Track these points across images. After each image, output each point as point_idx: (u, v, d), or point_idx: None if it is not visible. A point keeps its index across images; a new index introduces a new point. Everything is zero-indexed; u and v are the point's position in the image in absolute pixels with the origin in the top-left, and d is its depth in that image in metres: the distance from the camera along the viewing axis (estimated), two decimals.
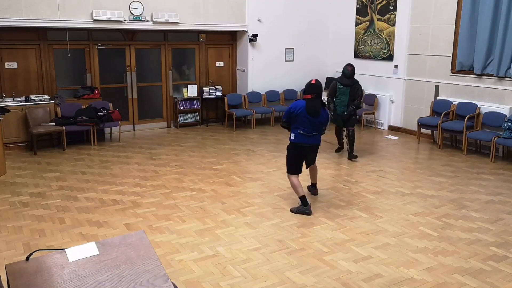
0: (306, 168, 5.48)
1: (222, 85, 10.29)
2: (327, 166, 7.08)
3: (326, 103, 6.92)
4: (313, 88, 5.07)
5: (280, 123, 5.54)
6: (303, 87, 10.70)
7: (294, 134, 5.11)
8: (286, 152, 5.40)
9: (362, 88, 7.23)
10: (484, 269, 3.97)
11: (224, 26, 9.65)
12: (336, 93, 7.31)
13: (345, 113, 7.27)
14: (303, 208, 5.16)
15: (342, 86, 7.25)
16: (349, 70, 7.20)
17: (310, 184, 5.88)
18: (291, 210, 5.24)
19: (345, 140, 7.65)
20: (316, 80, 5.21)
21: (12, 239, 4.52)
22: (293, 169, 5.21)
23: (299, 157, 5.23)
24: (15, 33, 8.08)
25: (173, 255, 4.18)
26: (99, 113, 8.29)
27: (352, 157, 7.39)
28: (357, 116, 7.62)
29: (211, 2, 9.38)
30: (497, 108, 7.65)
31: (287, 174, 5.30)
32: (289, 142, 5.25)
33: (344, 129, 7.54)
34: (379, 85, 9.85)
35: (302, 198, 5.17)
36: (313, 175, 5.71)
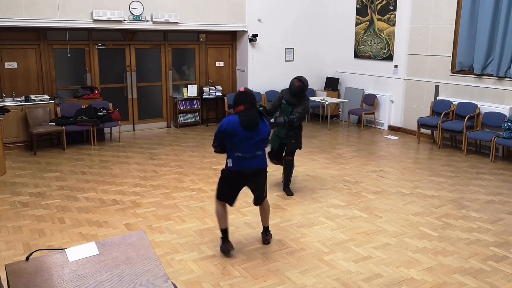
0: (255, 204, 4.42)
1: (222, 85, 10.29)
2: (327, 166, 7.07)
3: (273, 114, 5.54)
4: (242, 96, 4.06)
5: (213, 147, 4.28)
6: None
7: (231, 160, 4.05)
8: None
9: (309, 108, 5.48)
10: (484, 269, 3.97)
11: (224, 26, 9.65)
12: (280, 106, 5.64)
13: (286, 120, 5.42)
14: (221, 244, 4.24)
15: (285, 103, 5.55)
16: (295, 86, 5.42)
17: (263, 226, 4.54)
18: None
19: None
20: (246, 88, 4.28)
21: (12, 239, 4.52)
22: (222, 195, 4.19)
23: (236, 186, 4.19)
24: (15, 33, 8.09)
25: (173, 255, 4.18)
26: (99, 113, 8.29)
27: (287, 191, 5.85)
28: (299, 142, 5.73)
29: (211, 2, 9.38)
30: (497, 108, 7.65)
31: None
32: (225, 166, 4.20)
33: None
34: (379, 85, 9.85)
35: (223, 232, 4.21)
36: (264, 215, 4.45)
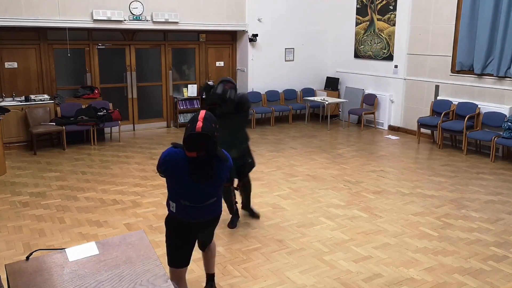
0: (201, 249, 3.46)
1: None
2: (327, 166, 7.07)
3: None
4: (197, 140, 2.76)
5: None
6: (303, 88, 10.80)
7: (175, 205, 3.02)
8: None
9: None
10: (484, 269, 3.97)
11: (224, 26, 9.65)
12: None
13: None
14: None
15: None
16: (225, 89, 4.33)
17: (207, 273, 3.58)
18: None
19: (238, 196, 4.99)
20: (206, 119, 2.79)
21: (12, 239, 4.51)
22: (174, 260, 3.09)
23: (186, 240, 3.10)
24: (15, 33, 8.08)
25: None
26: (99, 113, 8.29)
27: (251, 211, 5.01)
28: (253, 159, 4.85)
29: (211, 2, 9.38)
30: (497, 108, 7.65)
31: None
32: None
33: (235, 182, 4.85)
34: (379, 85, 9.84)
35: None
36: (209, 259, 3.52)
